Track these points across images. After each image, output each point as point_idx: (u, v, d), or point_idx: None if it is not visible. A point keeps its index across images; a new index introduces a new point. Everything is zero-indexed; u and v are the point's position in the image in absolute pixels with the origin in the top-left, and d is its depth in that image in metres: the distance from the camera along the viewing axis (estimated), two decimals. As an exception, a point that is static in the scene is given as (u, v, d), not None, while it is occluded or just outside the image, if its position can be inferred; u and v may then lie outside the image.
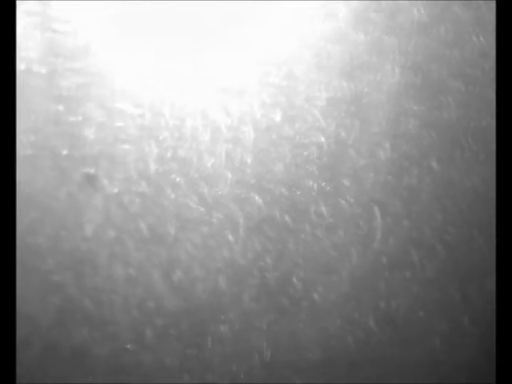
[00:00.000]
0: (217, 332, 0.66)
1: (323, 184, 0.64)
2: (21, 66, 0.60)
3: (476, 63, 0.65)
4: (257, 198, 0.64)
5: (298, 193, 0.64)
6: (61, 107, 0.60)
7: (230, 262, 0.65)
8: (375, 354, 0.68)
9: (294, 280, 0.66)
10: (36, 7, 0.60)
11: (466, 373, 0.69)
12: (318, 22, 0.63)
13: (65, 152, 0.61)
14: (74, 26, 0.61)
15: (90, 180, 0.61)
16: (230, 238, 0.64)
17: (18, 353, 0.60)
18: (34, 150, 0.61)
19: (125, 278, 0.63)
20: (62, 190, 0.61)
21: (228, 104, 0.62)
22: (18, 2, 0.59)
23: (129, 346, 0.65)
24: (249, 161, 0.63)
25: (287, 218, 0.65)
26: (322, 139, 0.64)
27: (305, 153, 0.64)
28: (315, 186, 0.64)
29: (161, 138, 0.62)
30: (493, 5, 0.66)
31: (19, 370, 0.60)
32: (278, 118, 0.63)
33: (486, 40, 0.65)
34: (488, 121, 0.66)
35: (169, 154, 0.62)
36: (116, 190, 0.62)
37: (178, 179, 0.63)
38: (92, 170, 0.61)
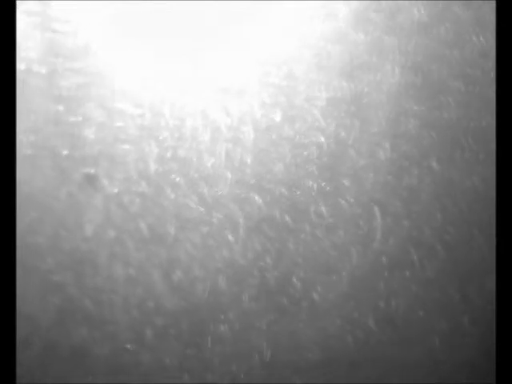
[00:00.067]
0: (216, 332, 0.66)
1: (323, 184, 0.64)
2: (21, 65, 0.60)
3: (476, 63, 0.65)
4: (257, 197, 0.64)
5: (298, 193, 0.64)
6: (61, 107, 0.60)
7: (229, 262, 0.65)
8: (375, 353, 0.68)
9: (294, 280, 0.66)
10: (36, 7, 0.60)
11: (465, 373, 0.69)
12: (318, 21, 0.63)
13: (65, 152, 0.61)
14: (74, 26, 0.61)
15: (90, 180, 0.61)
16: (230, 237, 0.64)
17: (17, 353, 0.60)
18: (34, 150, 0.61)
19: (125, 278, 0.63)
20: (62, 189, 0.61)
21: (228, 104, 0.62)
22: (17, 2, 0.59)
23: (129, 346, 0.65)
24: (249, 161, 0.63)
25: (287, 218, 0.65)
26: (322, 139, 0.64)
27: (305, 153, 0.64)
28: (315, 186, 0.64)
29: (161, 138, 0.62)
30: (493, 4, 0.66)
31: (19, 370, 0.60)
32: (278, 118, 0.63)
33: (486, 40, 0.65)
34: (488, 121, 0.66)
35: (169, 154, 0.62)
36: (116, 190, 0.62)
37: (177, 179, 0.63)
38: (92, 170, 0.61)
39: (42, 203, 0.61)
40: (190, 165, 0.62)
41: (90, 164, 0.61)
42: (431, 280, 0.67)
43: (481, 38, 0.65)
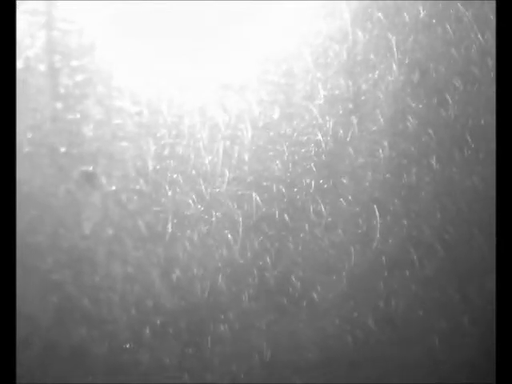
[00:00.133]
0: (216, 331, 0.65)
1: (321, 181, 0.64)
2: (20, 63, 0.60)
3: (476, 61, 0.65)
4: (254, 195, 0.64)
5: (295, 189, 0.64)
6: (59, 105, 0.61)
7: (228, 261, 0.65)
8: (375, 353, 0.67)
9: (293, 279, 0.66)
10: (38, 6, 0.60)
11: (465, 373, 0.68)
12: (318, 20, 0.63)
13: (63, 149, 0.61)
14: (75, 25, 0.61)
15: (89, 178, 0.62)
16: (229, 236, 0.64)
17: (17, 353, 0.60)
18: (32, 148, 0.61)
19: (123, 277, 0.63)
20: (60, 187, 0.62)
21: (226, 101, 0.62)
22: (18, 2, 0.60)
23: (127, 345, 0.64)
24: (246, 158, 0.63)
25: (286, 217, 0.65)
26: (320, 137, 0.64)
27: (303, 150, 0.64)
28: (313, 183, 0.64)
29: (158, 135, 0.62)
30: (493, 4, 0.66)
31: (19, 370, 0.60)
32: (276, 115, 0.63)
33: (486, 38, 0.65)
34: (488, 119, 0.66)
35: (166, 152, 0.62)
36: (114, 188, 0.62)
37: (175, 176, 0.63)
38: (90, 168, 0.62)
39: (40, 201, 0.62)
40: (187, 162, 0.63)
41: (88, 161, 0.61)
42: (431, 279, 0.67)
43: (480, 36, 0.65)
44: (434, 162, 0.66)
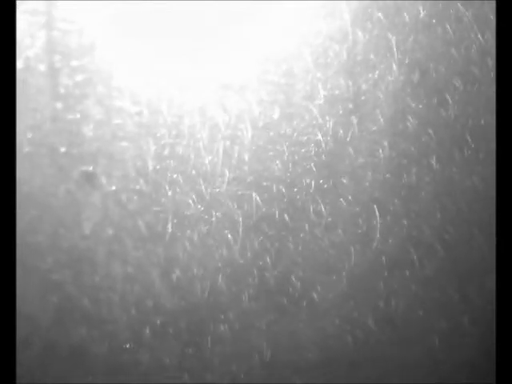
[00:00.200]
0: (216, 331, 0.66)
1: (321, 181, 0.64)
2: (20, 63, 0.60)
3: (476, 61, 0.65)
4: (254, 195, 0.64)
5: (296, 190, 0.64)
6: (59, 104, 0.61)
7: (228, 261, 0.65)
8: (375, 353, 0.67)
9: (293, 279, 0.66)
10: (38, 6, 0.60)
11: (465, 373, 0.68)
12: (318, 20, 0.63)
13: (63, 149, 0.61)
14: (76, 25, 0.61)
15: (89, 178, 0.62)
16: (229, 236, 0.64)
17: (18, 353, 0.60)
18: (32, 148, 0.61)
19: (123, 277, 0.63)
20: (60, 187, 0.62)
21: (226, 101, 0.62)
22: (18, 2, 0.60)
23: (127, 346, 0.65)
24: (246, 158, 0.63)
25: (286, 217, 0.65)
26: (320, 137, 0.64)
27: (302, 150, 0.64)
28: (313, 183, 0.64)
29: (158, 135, 0.62)
30: (493, 4, 0.66)
31: (19, 370, 0.60)
32: (276, 115, 0.63)
33: (486, 38, 0.65)
34: (488, 119, 0.66)
35: (166, 152, 0.62)
36: (114, 188, 0.62)
37: (175, 176, 0.63)
38: (90, 168, 0.62)
39: (40, 201, 0.62)
40: (187, 162, 0.63)
41: (88, 161, 0.61)
42: (431, 279, 0.67)
43: (480, 36, 0.65)
44: (433, 162, 0.66)
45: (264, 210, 0.64)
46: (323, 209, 0.65)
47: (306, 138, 0.64)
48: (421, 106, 0.65)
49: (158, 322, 0.64)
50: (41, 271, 0.62)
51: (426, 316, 0.67)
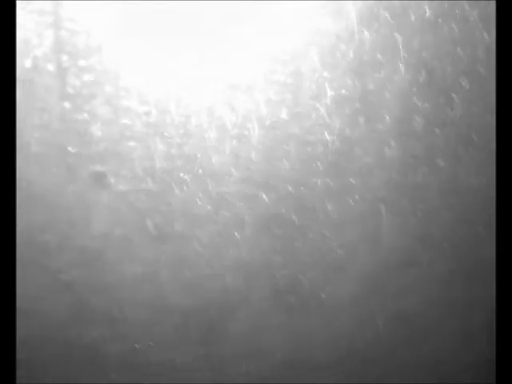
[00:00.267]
0: (226, 331, 0.66)
1: (327, 180, 0.64)
2: (29, 63, 0.60)
3: (482, 60, 0.65)
4: (263, 195, 0.64)
5: (303, 189, 0.64)
6: (67, 104, 0.61)
7: (238, 261, 0.65)
8: (384, 352, 0.67)
9: (302, 279, 0.66)
10: (45, 6, 0.60)
11: (466, 373, 0.68)
12: (325, 19, 0.63)
13: (72, 150, 0.61)
14: (82, 26, 0.61)
15: (98, 178, 0.62)
16: (238, 236, 0.64)
17: (18, 353, 0.60)
18: (42, 148, 0.61)
19: (133, 276, 0.64)
20: (69, 187, 0.62)
21: (234, 101, 0.62)
22: (25, 2, 0.60)
23: (137, 346, 0.65)
24: (254, 158, 0.63)
25: (294, 217, 0.65)
26: (328, 137, 0.64)
27: (310, 149, 0.64)
28: (320, 183, 0.64)
29: (166, 134, 0.62)
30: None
31: (19, 370, 0.61)
32: (283, 115, 0.63)
33: (492, 37, 0.65)
34: (494, 118, 0.66)
35: (174, 151, 0.62)
36: (123, 188, 0.62)
37: (181, 175, 0.63)
38: (99, 168, 0.62)
39: (51, 202, 0.62)
40: (194, 161, 0.63)
41: (96, 161, 0.62)
42: (438, 278, 0.67)
43: (486, 35, 0.65)
44: (440, 161, 0.66)
45: (272, 209, 0.64)
46: (331, 208, 0.65)
47: (313, 137, 0.64)
48: (427, 105, 0.65)
49: (169, 321, 0.65)
50: (52, 272, 0.62)
51: (430, 316, 0.67)
